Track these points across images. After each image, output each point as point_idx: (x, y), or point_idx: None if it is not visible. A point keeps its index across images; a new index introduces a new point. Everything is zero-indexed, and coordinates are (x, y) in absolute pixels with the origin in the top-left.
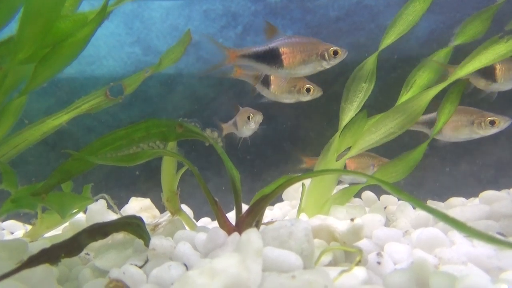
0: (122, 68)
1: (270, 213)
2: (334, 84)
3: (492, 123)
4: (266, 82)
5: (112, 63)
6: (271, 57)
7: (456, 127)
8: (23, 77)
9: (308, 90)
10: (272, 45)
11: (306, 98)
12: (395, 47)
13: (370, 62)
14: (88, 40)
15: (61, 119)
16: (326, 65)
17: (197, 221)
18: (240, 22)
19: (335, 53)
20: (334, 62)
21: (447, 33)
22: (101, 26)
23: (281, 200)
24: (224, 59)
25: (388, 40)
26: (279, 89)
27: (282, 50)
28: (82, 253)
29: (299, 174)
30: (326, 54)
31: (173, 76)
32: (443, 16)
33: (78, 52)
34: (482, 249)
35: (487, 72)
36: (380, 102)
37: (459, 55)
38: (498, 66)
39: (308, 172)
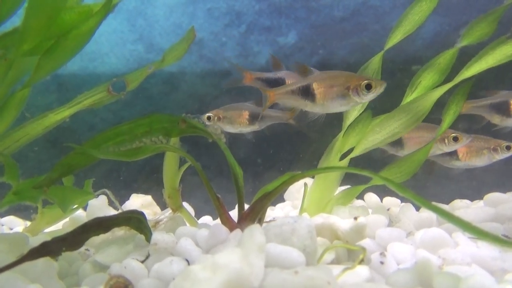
0: (124, 66)
1: (271, 213)
2: None
3: (508, 148)
4: (308, 94)
5: (114, 60)
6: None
7: (477, 154)
8: (26, 69)
9: (368, 87)
10: (279, 75)
11: (367, 97)
12: (400, 48)
13: (375, 62)
14: (93, 32)
15: (63, 113)
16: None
17: (198, 220)
18: (244, 21)
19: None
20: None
21: (453, 35)
22: (104, 22)
23: (282, 200)
24: (241, 79)
25: (394, 39)
26: (325, 97)
27: (287, 80)
28: (82, 249)
29: (303, 172)
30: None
31: (175, 74)
32: (449, 18)
33: (83, 45)
34: (487, 250)
35: (502, 108)
36: (384, 103)
37: (465, 57)
38: None
39: (312, 169)
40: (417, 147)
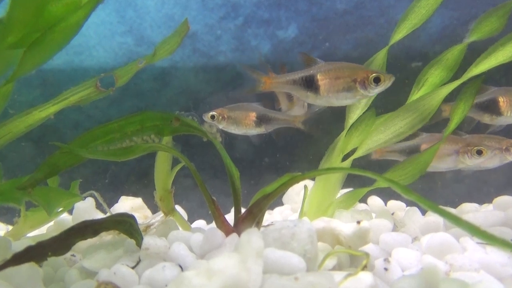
0: (112, 59)
1: (269, 217)
2: None
3: None
4: (311, 85)
5: (102, 53)
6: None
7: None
8: (10, 63)
9: (377, 80)
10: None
11: (374, 91)
12: (406, 44)
13: (380, 58)
14: (81, 25)
15: (48, 110)
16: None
17: (191, 224)
18: (241, 13)
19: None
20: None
21: (461, 30)
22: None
23: (281, 203)
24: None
25: (399, 34)
26: (330, 89)
27: None
28: (68, 255)
29: (303, 173)
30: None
31: (167, 69)
32: (457, 12)
33: (70, 38)
34: (496, 256)
35: (490, 106)
36: (389, 101)
37: (474, 53)
38: (501, 99)
39: (313, 170)
40: (439, 159)
